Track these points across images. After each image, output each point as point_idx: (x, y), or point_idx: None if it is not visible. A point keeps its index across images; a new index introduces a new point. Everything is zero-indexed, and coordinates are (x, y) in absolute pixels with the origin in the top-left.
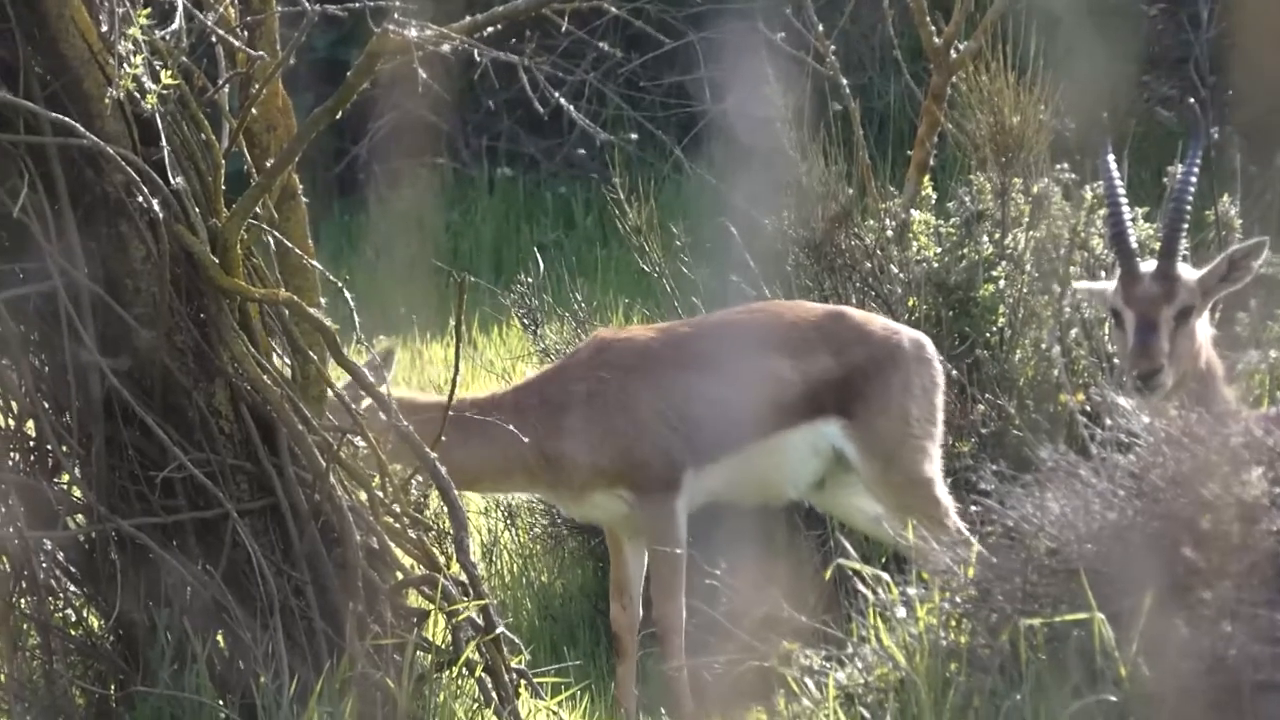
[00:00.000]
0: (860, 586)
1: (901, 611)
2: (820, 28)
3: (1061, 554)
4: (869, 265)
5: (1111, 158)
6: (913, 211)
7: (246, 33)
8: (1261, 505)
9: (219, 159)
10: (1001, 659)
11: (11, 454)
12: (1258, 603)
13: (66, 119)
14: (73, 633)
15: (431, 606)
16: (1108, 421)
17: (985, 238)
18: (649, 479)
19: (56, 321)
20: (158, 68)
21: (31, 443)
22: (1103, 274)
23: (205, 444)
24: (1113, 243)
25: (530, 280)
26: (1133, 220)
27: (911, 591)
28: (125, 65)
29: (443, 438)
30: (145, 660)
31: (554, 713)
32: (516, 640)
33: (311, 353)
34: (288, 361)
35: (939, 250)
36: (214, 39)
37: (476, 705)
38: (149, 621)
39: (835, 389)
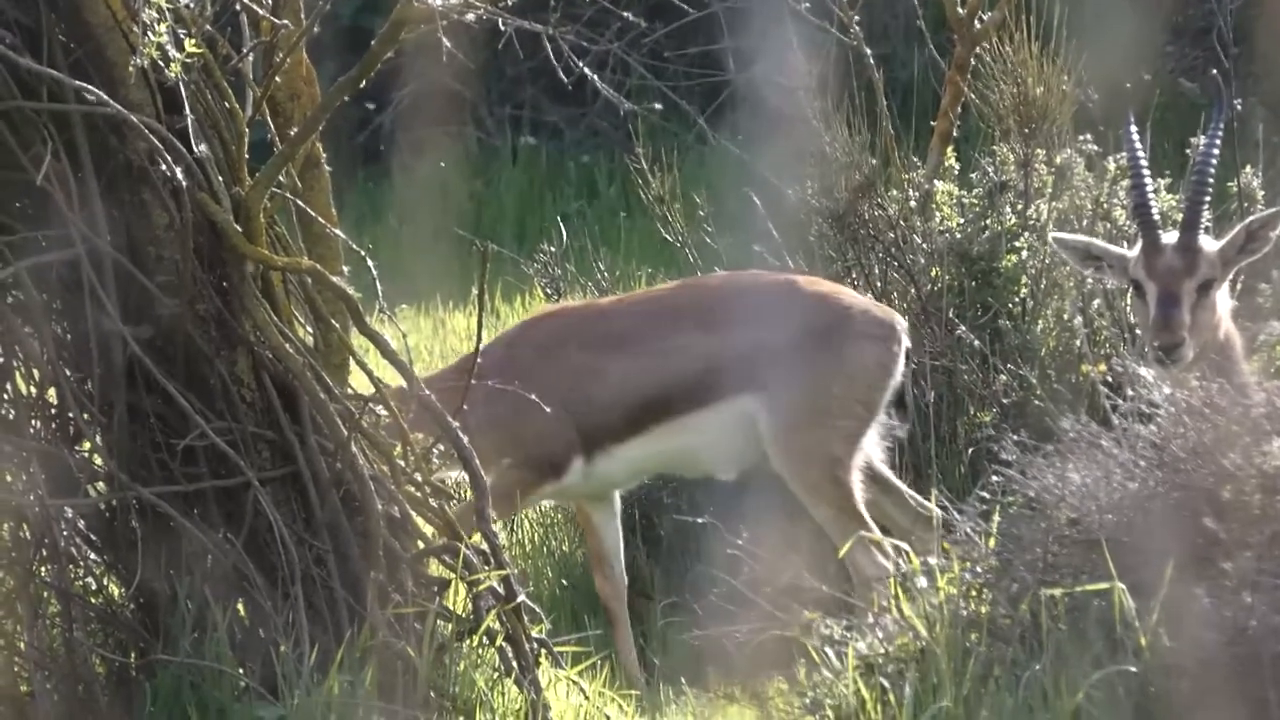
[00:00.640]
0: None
1: (922, 581)
2: None
3: (1082, 524)
4: (892, 235)
5: (1134, 129)
6: (936, 182)
7: (271, 1)
8: None
9: (242, 127)
10: (1022, 629)
11: (33, 422)
12: (1278, 574)
13: (90, 87)
14: (93, 601)
15: (452, 575)
16: (1129, 392)
17: (1008, 208)
18: (529, 459)
19: (79, 289)
20: (181, 36)
21: (53, 410)
22: (1124, 244)
23: (227, 412)
24: (1135, 213)
25: (553, 249)
26: (1155, 192)
27: (932, 561)
28: (149, 33)
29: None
30: (166, 628)
31: (574, 682)
32: (537, 609)
33: (334, 321)
34: (310, 330)
35: (962, 221)
36: (238, 7)
37: (497, 674)
38: (169, 590)
39: (759, 363)
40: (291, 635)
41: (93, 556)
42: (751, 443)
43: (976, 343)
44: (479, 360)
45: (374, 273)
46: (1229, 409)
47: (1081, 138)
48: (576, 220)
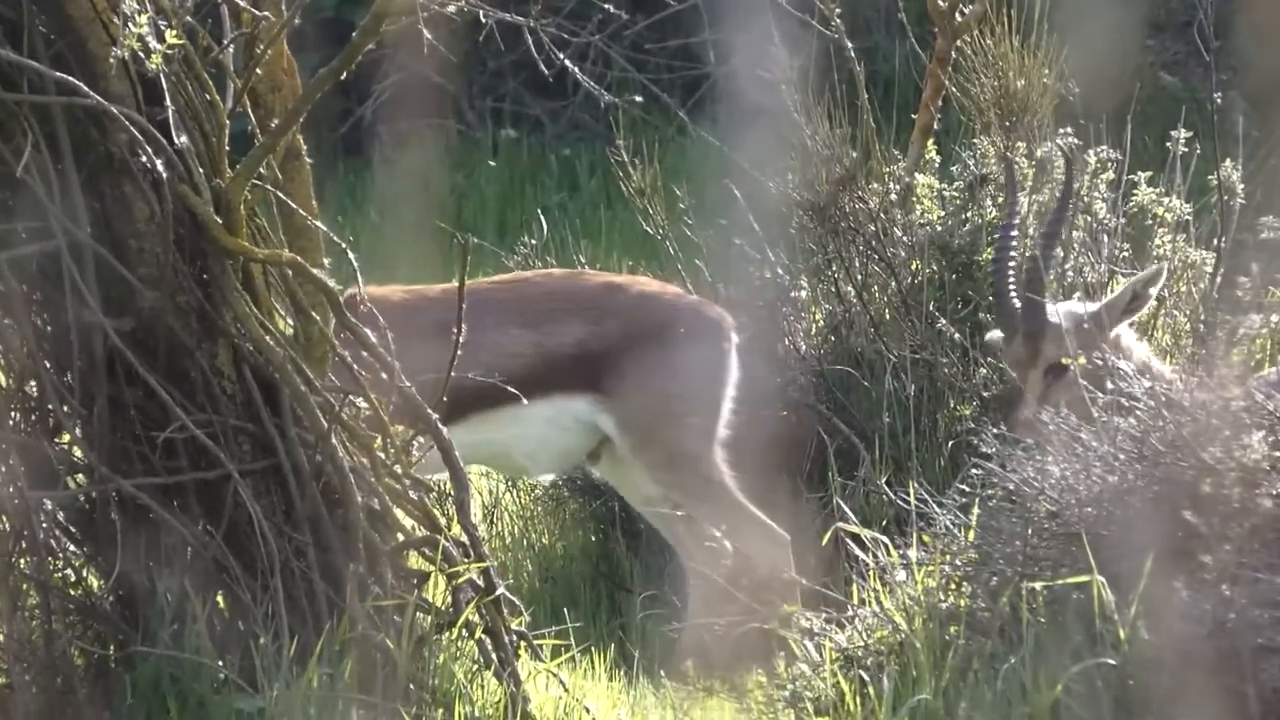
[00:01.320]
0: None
1: (901, 574)
2: None
3: (1062, 517)
4: (872, 228)
5: (1021, 197)
6: (917, 175)
7: None
8: (1262, 469)
9: (223, 119)
10: (1001, 622)
11: (12, 413)
12: (1258, 567)
13: (71, 78)
14: (72, 593)
15: (432, 568)
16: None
17: (989, 201)
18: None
19: (59, 281)
20: (162, 27)
21: (33, 402)
22: (1104, 238)
23: (207, 405)
24: (993, 296)
25: (534, 242)
26: (1014, 278)
27: (912, 555)
28: (130, 25)
29: None
30: (145, 620)
31: (554, 674)
32: (517, 602)
33: (315, 314)
34: (291, 322)
35: (943, 214)
36: None
37: (476, 667)
38: (149, 582)
39: (583, 363)
40: (271, 628)
41: (72, 548)
42: (575, 444)
43: (957, 336)
44: None
45: (355, 265)
46: (1209, 402)
47: (1062, 131)
48: (557, 213)
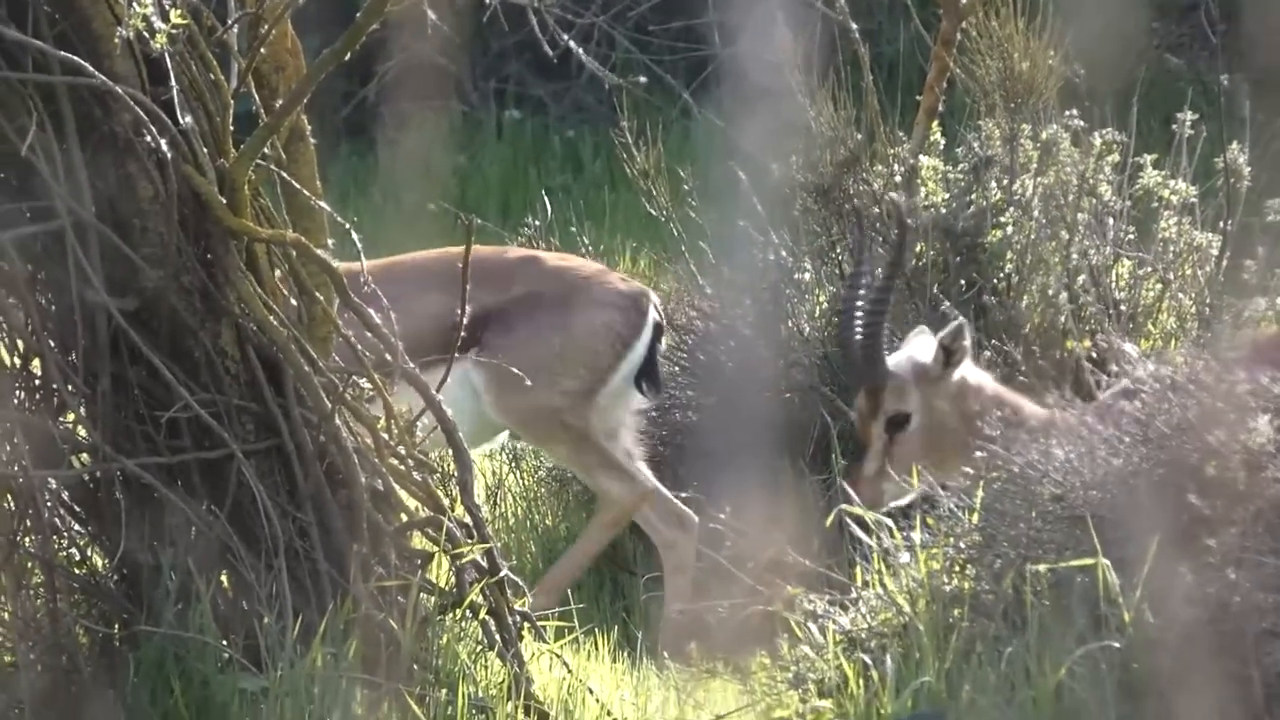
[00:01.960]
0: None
1: (905, 557)
2: None
3: (1066, 500)
4: (877, 210)
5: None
6: (921, 157)
7: None
8: (1267, 452)
9: (227, 99)
10: (1005, 605)
11: (17, 393)
12: (1263, 550)
13: (75, 58)
14: (77, 572)
15: (436, 549)
16: (1113, 368)
17: (993, 184)
18: None
19: (63, 261)
20: (166, 7)
21: (37, 382)
22: (1110, 220)
23: (211, 384)
24: (839, 347)
25: (538, 224)
26: (865, 329)
27: (915, 537)
28: (134, 4)
29: None
30: (149, 600)
31: (557, 655)
32: (520, 583)
33: (318, 294)
34: (294, 302)
35: (947, 196)
36: None
37: (480, 648)
38: (153, 561)
39: (478, 325)
40: (275, 607)
41: (76, 528)
42: (477, 405)
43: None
44: None
45: (359, 245)
46: (1214, 385)
47: (1067, 113)
48: (561, 194)
